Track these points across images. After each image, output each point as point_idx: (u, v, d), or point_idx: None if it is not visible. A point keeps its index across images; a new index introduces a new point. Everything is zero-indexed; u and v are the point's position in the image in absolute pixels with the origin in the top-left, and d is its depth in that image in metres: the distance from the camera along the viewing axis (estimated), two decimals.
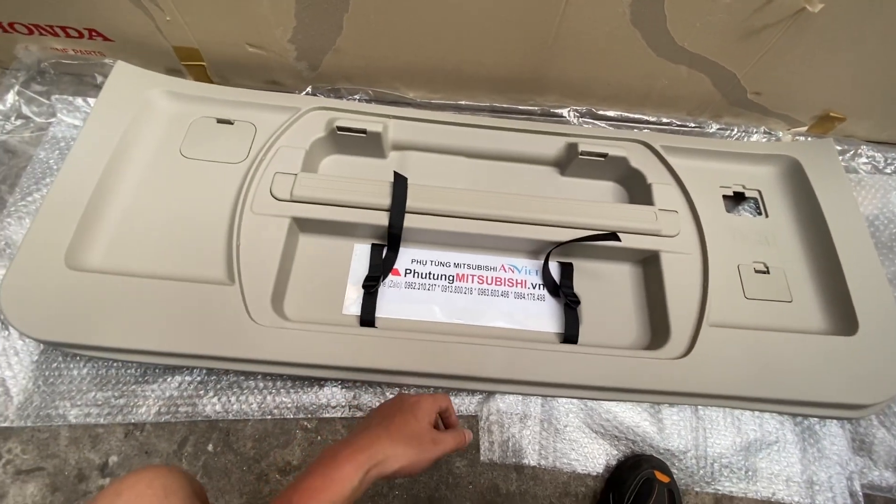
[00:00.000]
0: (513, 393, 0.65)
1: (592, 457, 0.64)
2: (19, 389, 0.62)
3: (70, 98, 0.78)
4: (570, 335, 0.66)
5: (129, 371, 0.64)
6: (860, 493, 0.63)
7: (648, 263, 0.71)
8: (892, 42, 0.69)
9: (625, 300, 0.71)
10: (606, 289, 0.72)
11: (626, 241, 0.67)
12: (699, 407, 0.67)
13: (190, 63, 0.80)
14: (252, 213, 0.65)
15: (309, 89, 0.83)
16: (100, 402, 0.62)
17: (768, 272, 0.71)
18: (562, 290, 0.69)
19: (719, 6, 0.65)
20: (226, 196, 0.67)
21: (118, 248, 0.64)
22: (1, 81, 0.82)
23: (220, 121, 0.73)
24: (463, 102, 0.85)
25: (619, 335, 0.68)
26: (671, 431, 0.65)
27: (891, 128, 0.87)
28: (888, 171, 0.85)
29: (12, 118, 0.78)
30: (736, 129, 0.86)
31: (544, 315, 0.69)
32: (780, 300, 0.69)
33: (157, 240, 0.65)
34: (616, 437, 0.65)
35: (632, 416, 0.65)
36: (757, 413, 0.67)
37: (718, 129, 0.87)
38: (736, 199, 0.78)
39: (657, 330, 0.67)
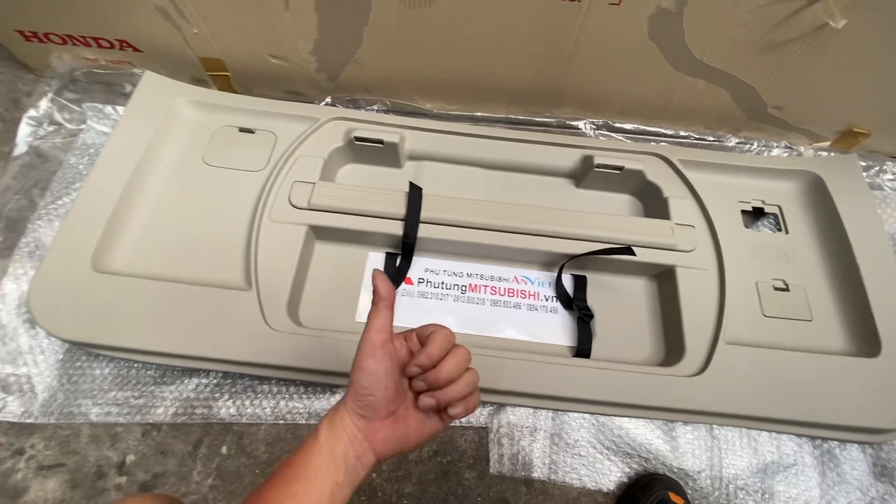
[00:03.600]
0: (524, 406, 0.65)
1: (604, 473, 0.63)
2: (44, 387, 0.64)
3: (100, 106, 0.81)
4: (582, 349, 0.66)
5: (148, 372, 0.65)
6: None
7: (664, 278, 0.70)
8: None
9: (639, 315, 0.70)
10: (620, 303, 0.71)
11: (642, 256, 0.67)
12: (715, 427, 0.65)
13: (215, 73, 0.82)
14: (270, 221, 0.67)
15: (328, 99, 0.85)
16: (120, 402, 0.63)
17: (788, 290, 0.69)
18: (575, 304, 0.69)
19: (739, 20, 0.64)
20: (245, 203, 0.69)
21: (141, 251, 0.66)
22: (35, 89, 0.85)
23: (241, 129, 0.75)
24: (479, 114, 0.86)
25: (632, 350, 0.68)
26: (685, 450, 0.64)
27: None
28: None
29: (45, 124, 0.81)
30: (756, 144, 0.85)
31: (557, 328, 0.69)
32: (799, 319, 0.67)
33: (178, 244, 0.67)
34: (628, 453, 0.64)
35: (644, 432, 0.64)
36: (774, 434, 0.65)
37: (738, 143, 0.86)
38: (755, 215, 0.77)
39: (672, 346, 0.66)
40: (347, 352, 0.58)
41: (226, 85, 0.84)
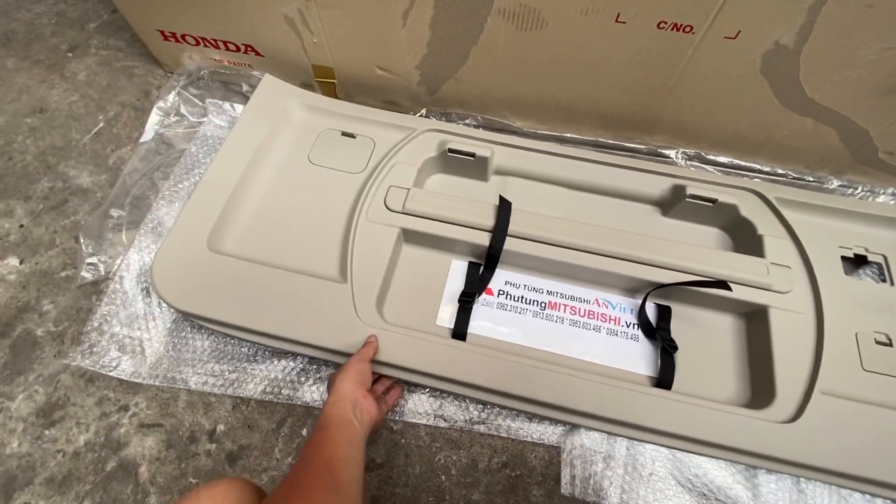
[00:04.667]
0: (599, 430, 0.64)
1: None
2: (152, 351, 0.70)
3: (220, 102, 0.89)
4: (664, 380, 0.65)
5: (242, 349, 0.70)
6: None
7: (754, 318, 0.68)
8: None
9: (723, 353, 0.68)
10: (704, 338, 0.69)
11: (734, 292, 0.65)
12: (802, 480, 0.62)
13: (323, 80, 0.88)
14: (367, 221, 0.70)
15: (423, 111, 0.89)
16: (216, 374, 0.68)
17: (891, 345, 0.65)
18: (659, 334, 0.67)
19: (861, 62, 0.62)
20: (345, 202, 0.74)
21: (249, 237, 0.72)
22: (164, 83, 0.95)
23: (344, 133, 0.80)
24: (568, 135, 0.87)
25: (715, 388, 0.66)
26: (767, 500, 0.61)
27: None
28: None
29: (171, 115, 0.90)
30: (860, 188, 0.81)
31: (637, 356, 0.68)
32: None
33: (281, 234, 0.72)
34: (704, 494, 0.62)
35: (724, 476, 0.62)
36: (868, 497, 0.61)
37: (839, 185, 0.82)
38: (856, 262, 0.73)
39: (759, 389, 0.64)
40: (427, 351, 0.61)
41: (330, 91, 0.90)
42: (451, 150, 0.76)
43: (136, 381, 0.68)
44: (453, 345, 0.63)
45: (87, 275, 0.75)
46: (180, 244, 0.68)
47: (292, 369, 0.69)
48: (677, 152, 0.84)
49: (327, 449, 0.45)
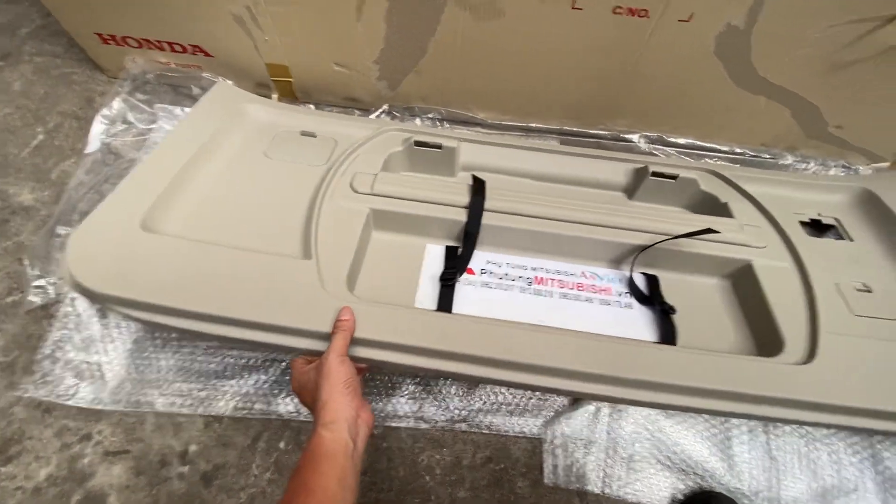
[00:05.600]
0: (607, 397, 0.56)
1: (658, 489, 0.62)
2: (113, 374, 0.66)
3: (170, 107, 0.85)
4: (667, 343, 0.62)
5: (210, 366, 0.67)
6: None
7: (738, 276, 0.67)
8: None
9: (718, 313, 0.67)
10: (696, 302, 0.68)
11: (717, 250, 0.65)
12: (773, 447, 0.64)
13: (279, 79, 0.85)
14: (332, 201, 0.65)
15: (385, 107, 0.87)
16: (184, 393, 0.65)
17: (871, 291, 0.66)
18: (654, 298, 0.66)
19: (808, 40, 0.64)
20: (306, 187, 0.68)
21: (196, 220, 0.64)
22: (108, 89, 0.90)
23: (303, 133, 0.77)
24: (533, 125, 0.87)
25: (720, 344, 0.63)
26: (742, 469, 0.63)
27: None
28: None
29: (117, 123, 0.85)
30: (813, 163, 0.84)
31: (635, 323, 0.65)
32: (892, 318, 0.63)
33: (235, 216, 0.65)
34: (683, 470, 0.63)
35: (700, 449, 0.64)
36: (835, 458, 0.64)
37: (794, 160, 0.85)
38: (813, 227, 0.75)
39: (764, 340, 0.62)
40: (411, 323, 0.54)
41: (287, 90, 0.87)
42: (417, 143, 0.75)
43: (98, 407, 0.64)
44: (440, 316, 0.58)
45: (35, 299, 0.70)
46: (106, 223, 0.59)
47: (264, 382, 0.66)
48: (639, 136, 0.85)
49: (316, 497, 0.39)
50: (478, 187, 0.67)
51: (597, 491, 0.62)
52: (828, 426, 0.61)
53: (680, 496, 0.62)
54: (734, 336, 0.65)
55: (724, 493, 0.62)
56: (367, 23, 0.71)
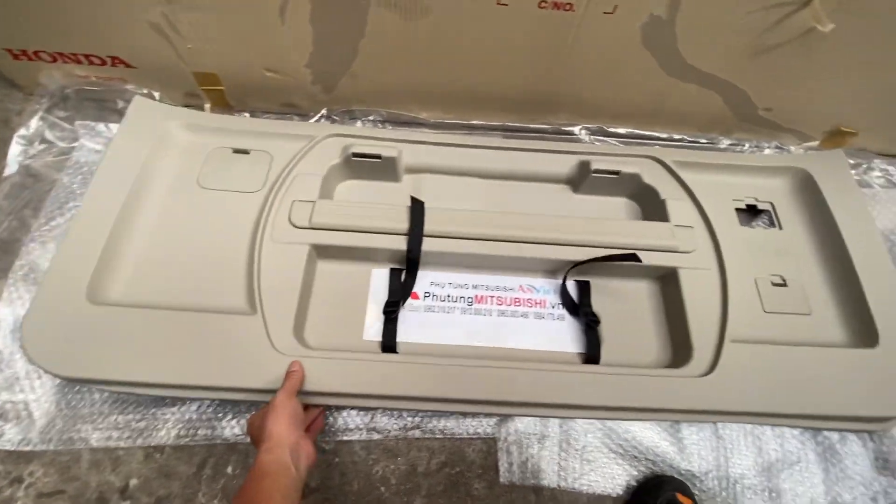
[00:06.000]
0: (535, 416, 0.65)
1: (612, 477, 0.63)
2: (42, 413, 0.62)
3: (92, 123, 0.80)
4: (591, 355, 0.66)
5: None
6: None
7: (666, 281, 0.71)
8: None
9: (645, 318, 0.71)
10: (625, 307, 0.71)
11: (644, 259, 0.67)
12: (719, 427, 0.66)
13: (208, 87, 0.82)
14: (272, 242, 0.66)
15: (324, 111, 0.85)
16: (121, 426, 0.62)
17: (786, 285, 0.70)
18: (581, 310, 0.69)
19: (729, 26, 0.65)
20: (245, 225, 0.68)
21: (138, 280, 0.65)
22: (25, 107, 0.84)
23: (236, 150, 0.74)
24: (475, 122, 0.86)
25: (640, 353, 0.68)
26: (691, 451, 0.64)
27: None
28: None
29: (36, 143, 0.80)
30: (747, 145, 0.87)
31: (565, 335, 0.69)
32: (799, 313, 0.68)
33: (177, 271, 0.65)
34: (635, 457, 0.64)
35: (651, 435, 0.65)
36: (778, 432, 0.66)
37: (730, 144, 0.87)
38: (749, 213, 0.78)
39: (679, 347, 0.67)
40: (355, 372, 0.59)
41: (220, 99, 0.84)
42: (354, 155, 0.73)
43: (27, 448, 0.61)
44: (383, 359, 0.62)
45: None
46: (54, 299, 0.59)
47: (208, 406, 0.64)
48: (580, 128, 0.86)
49: None
50: (417, 211, 0.67)
51: (552, 485, 0.62)
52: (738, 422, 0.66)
53: (634, 483, 0.63)
54: (656, 343, 0.69)
55: (675, 475, 0.63)
56: (292, 26, 0.69)
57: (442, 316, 0.69)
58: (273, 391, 0.58)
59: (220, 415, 0.63)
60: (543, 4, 0.63)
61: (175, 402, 0.64)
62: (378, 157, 0.73)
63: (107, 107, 0.85)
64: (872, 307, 0.66)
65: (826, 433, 0.66)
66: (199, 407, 0.64)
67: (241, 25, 0.69)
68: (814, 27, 0.63)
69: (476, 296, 0.71)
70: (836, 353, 0.64)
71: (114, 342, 0.58)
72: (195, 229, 0.68)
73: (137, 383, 0.58)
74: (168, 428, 0.62)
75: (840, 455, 0.65)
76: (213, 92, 0.82)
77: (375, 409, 0.65)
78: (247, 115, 0.86)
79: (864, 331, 0.66)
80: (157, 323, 0.60)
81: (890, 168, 0.86)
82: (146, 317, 0.60)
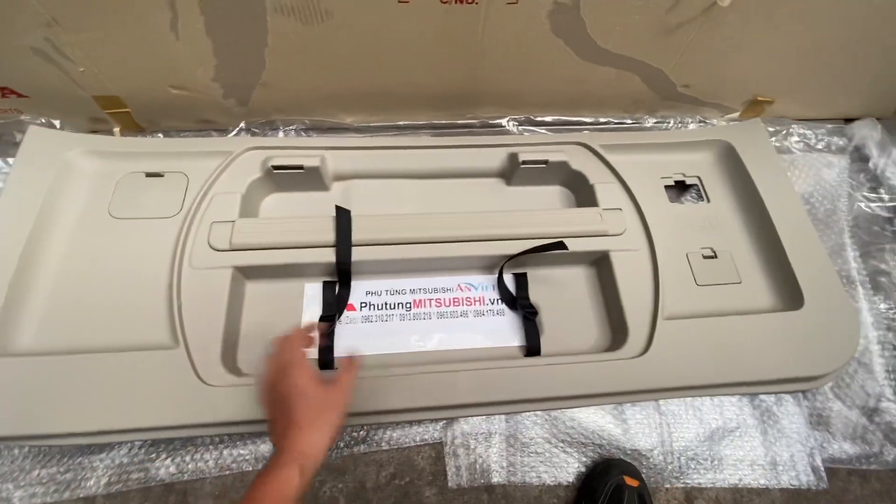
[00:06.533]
0: (480, 415, 0.65)
1: (561, 467, 0.64)
2: None
3: None
4: (532, 347, 0.66)
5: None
6: (822, 469, 0.65)
7: (600, 264, 0.72)
8: (803, 24, 0.71)
9: (583, 303, 0.71)
10: (563, 294, 0.72)
11: (574, 246, 0.67)
12: (661, 403, 0.67)
13: (113, 111, 0.77)
14: (191, 269, 0.63)
15: (242, 125, 0.81)
16: (45, 480, 0.59)
17: (716, 256, 0.72)
18: (518, 303, 0.69)
19: (633, 8, 0.66)
20: (162, 254, 0.64)
21: (50, 324, 0.61)
22: None
23: (148, 174, 0.70)
24: (402, 123, 0.85)
25: (581, 340, 0.68)
26: (636, 431, 0.66)
27: (818, 105, 0.90)
28: (819, 147, 0.88)
29: None
30: (672, 122, 0.88)
31: (506, 329, 0.69)
32: (729, 283, 0.70)
33: (92, 310, 0.61)
34: (582, 443, 0.65)
35: (595, 419, 0.66)
36: (717, 402, 0.68)
37: (655, 122, 0.88)
38: (679, 188, 0.79)
39: (616, 329, 0.67)
40: None
41: (128, 121, 0.79)
42: (275, 167, 0.70)
43: None
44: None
45: None
46: None
47: (139, 448, 0.61)
48: (508, 120, 0.85)
49: None
50: (343, 220, 0.65)
51: (503, 482, 0.62)
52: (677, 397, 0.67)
53: (583, 469, 0.64)
54: (596, 328, 0.70)
55: (622, 456, 0.64)
56: (188, 41, 0.65)
57: (380, 325, 0.68)
58: (205, 425, 0.56)
59: (152, 455, 0.61)
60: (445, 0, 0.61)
61: (102, 447, 0.61)
62: (300, 167, 0.71)
63: (4, 140, 0.79)
64: (796, 270, 0.68)
65: (762, 396, 0.68)
66: (130, 450, 0.61)
67: (132, 44, 0.65)
68: (714, 2, 0.64)
69: (414, 300, 0.70)
70: (765, 318, 0.66)
71: (28, 395, 0.54)
72: (109, 263, 0.65)
73: (58, 435, 0.55)
74: (98, 476, 0.59)
75: (777, 416, 0.68)
76: (120, 115, 0.78)
77: None
78: (160, 135, 0.81)
79: (789, 294, 0.68)
80: (74, 369, 0.56)
81: (808, 132, 0.89)
82: (61, 364, 0.56)
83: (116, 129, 0.80)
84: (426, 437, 0.64)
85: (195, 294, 0.62)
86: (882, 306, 0.75)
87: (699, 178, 0.79)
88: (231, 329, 0.62)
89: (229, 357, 0.61)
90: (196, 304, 0.61)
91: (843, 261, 0.78)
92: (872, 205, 0.84)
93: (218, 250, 0.64)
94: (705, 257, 0.72)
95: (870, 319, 0.74)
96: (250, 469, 0.61)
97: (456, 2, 0.61)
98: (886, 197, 0.84)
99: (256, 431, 0.60)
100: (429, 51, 0.70)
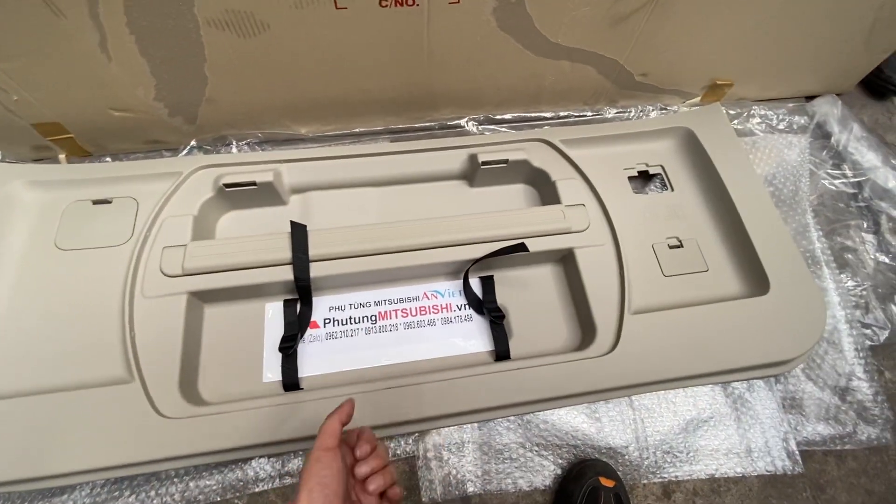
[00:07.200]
0: (452, 425, 0.63)
1: (537, 471, 0.63)
2: None
3: None
4: (501, 351, 0.65)
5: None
6: (797, 453, 0.65)
7: (566, 262, 0.71)
8: (753, 4, 0.70)
9: (551, 303, 0.70)
10: (531, 295, 0.71)
11: (538, 245, 0.66)
12: (634, 399, 0.67)
13: (56, 137, 0.74)
14: (144, 298, 0.61)
15: (193, 142, 0.79)
16: None
17: (682, 246, 0.71)
18: (485, 307, 0.68)
19: (579, 1, 0.64)
20: (112, 284, 0.62)
21: (2, 367, 0.58)
22: None
23: (95, 202, 0.67)
24: (358, 130, 0.83)
25: (550, 340, 0.67)
26: (610, 429, 0.65)
27: (777, 84, 0.90)
28: (781, 127, 0.88)
29: None
30: (633, 111, 0.87)
31: (475, 335, 0.68)
32: (696, 271, 0.70)
33: (41, 348, 0.59)
34: (557, 445, 0.64)
35: (569, 420, 0.65)
36: (690, 392, 0.68)
37: (616, 113, 0.87)
38: (643, 179, 0.78)
39: (585, 327, 0.67)
40: (257, 420, 0.55)
41: (74, 147, 0.76)
42: (227, 185, 0.68)
43: None
44: (285, 400, 0.58)
45: None
46: None
47: (101, 487, 0.59)
48: (467, 120, 0.84)
49: None
50: (298, 236, 0.63)
51: (479, 492, 0.61)
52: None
53: (559, 471, 0.63)
54: (565, 328, 0.69)
55: (598, 455, 0.64)
56: (121, 61, 0.62)
57: (345, 341, 0.66)
58: (167, 459, 0.55)
59: (115, 493, 0.59)
60: (384, 3, 0.59)
61: (64, 489, 0.59)
62: (253, 183, 0.69)
63: None
64: (760, 254, 0.68)
65: (734, 384, 0.68)
66: (92, 490, 0.59)
67: (64, 68, 0.62)
68: None
69: (379, 312, 0.69)
70: (733, 305, 0.65)
71: None
72: (57, 298, 0.62)
73: (12, 482, 0.53)
74: None
75: (750, 403, 0.67)
76: (63, 141, 0.75)
77: (286, 453, 0.62)
78: (108, 159, 0.79)
79: (755, 279, 0.68)
80: (25, 412, 0.54)
81: (768, 113, 0.88)
82: (10, 408, 0.54)
83: (62, 156, 0.77)
84: (398, 451, 0.63)
85: (149, 324, 0.60)
86: (849, 284, 0.75)
87: (662, 166, 0.78)
88: (189, 357, 0.61)
89: (188, 386, 0.59)
90: (151, 333, 0.59)
91: (807, 241, 0.77)
92: (836, 182, 0.83)
93: (171, 276, 0.62)
94: (671, 247, 0.71)
95: (836, 299, 0.73)
96: (218, 499, 0.59)
97: (396, 4, 0.60)
98: (850, 173, 0.84)
99: (222, 461, 0.59)
100: (375, 56, 0.68)
